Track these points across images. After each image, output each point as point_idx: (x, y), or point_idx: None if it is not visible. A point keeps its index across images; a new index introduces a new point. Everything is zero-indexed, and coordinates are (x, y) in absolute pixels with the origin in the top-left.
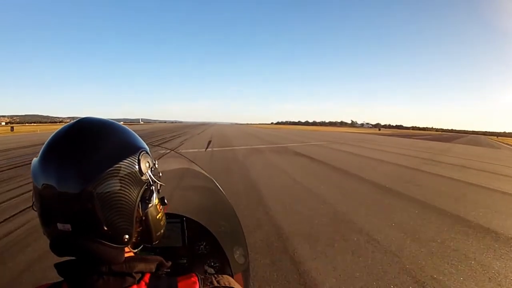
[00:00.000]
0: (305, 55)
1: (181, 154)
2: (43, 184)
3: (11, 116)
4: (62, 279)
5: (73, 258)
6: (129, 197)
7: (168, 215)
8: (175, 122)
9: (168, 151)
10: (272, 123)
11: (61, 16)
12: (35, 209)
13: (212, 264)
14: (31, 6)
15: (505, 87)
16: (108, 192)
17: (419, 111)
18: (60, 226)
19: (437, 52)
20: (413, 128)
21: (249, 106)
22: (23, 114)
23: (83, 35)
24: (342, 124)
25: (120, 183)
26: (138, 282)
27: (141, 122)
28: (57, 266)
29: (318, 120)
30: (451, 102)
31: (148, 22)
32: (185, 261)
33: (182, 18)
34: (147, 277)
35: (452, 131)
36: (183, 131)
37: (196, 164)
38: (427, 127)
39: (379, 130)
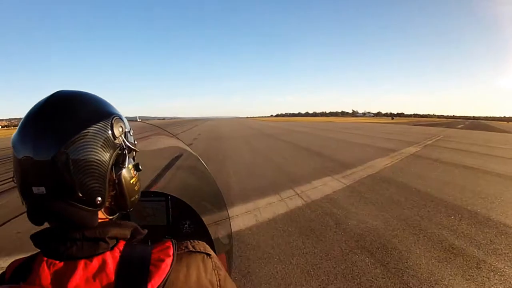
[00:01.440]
0: (305, 46)
1: (169, 133)
2: (20, 155)
3: (9, 120)
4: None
5: (48, 227)
6: (101, 159)
7: (153, 194)
8: (175, 118)
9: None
10: (272, 115)
11: (56, 16)
12: (14, 181)
13: None
14: (25, 6)
15: (498, 71)
16: (80, 154)
17: (419, 98)
18: (35, 189)
19: (435, 40)
20: (415, 115)
21: (249, 100)
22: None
23: (75, 34)
24: (344, 114)
25: (92, 145)
26: (112, 248)
27: (138, 120)
28: (33, 237)
29: (318, 111)
30: (450, 88)
31: (142, 19)
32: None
33: (177, 14)
34: (121, 244)
35: (453, 117)
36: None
37: (185, 144)
38: (428, 114)
39: (392, 119)
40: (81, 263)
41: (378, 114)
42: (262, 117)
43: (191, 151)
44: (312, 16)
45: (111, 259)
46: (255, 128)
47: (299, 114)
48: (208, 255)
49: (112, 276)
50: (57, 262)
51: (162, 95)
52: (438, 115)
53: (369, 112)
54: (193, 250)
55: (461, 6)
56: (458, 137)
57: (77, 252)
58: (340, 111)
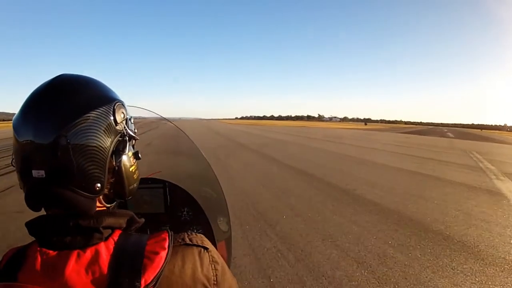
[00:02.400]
0: (268, 48)
1: (168, 120)
2: (21, 138)
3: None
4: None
5: (43, 214)
6: (102, 145)
7: (150, 180)
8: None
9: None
10: (236, 117)
11: (37, 14)
12: (13, 164)
13: (195, 231)
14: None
15: (469, 80)
16: (81, 138)
17: (386, 104)
18: (34, 173)
19: (403, 45)
20: (382, 121)
21: (213, 101)
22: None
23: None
24: (309, 118)
25: (93, 130)
26: (106, 239)
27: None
28: (28, 225)
29: (283, 115)
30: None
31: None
32: (167, 227)
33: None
34: (116, 234)
35: (420, 123)
36: None
37: (181, 130)
38: (396, 120)
39: (365, 124)
40: (74, 254)
41: (345, 119)
42: (227, 119)
43: (186, 134)
44: (275, 16)
45: (105, 250)
46: (223, 135)
47: (264, 117)
48: (206, 248)
49: (105, 268)
50: (51, 251)
51: (125, 95)
52: (405, 121)
53: (335, 117)
54: (190, 243)
55: (430, 5)
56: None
57: (70, 242)
58: (306, 115)
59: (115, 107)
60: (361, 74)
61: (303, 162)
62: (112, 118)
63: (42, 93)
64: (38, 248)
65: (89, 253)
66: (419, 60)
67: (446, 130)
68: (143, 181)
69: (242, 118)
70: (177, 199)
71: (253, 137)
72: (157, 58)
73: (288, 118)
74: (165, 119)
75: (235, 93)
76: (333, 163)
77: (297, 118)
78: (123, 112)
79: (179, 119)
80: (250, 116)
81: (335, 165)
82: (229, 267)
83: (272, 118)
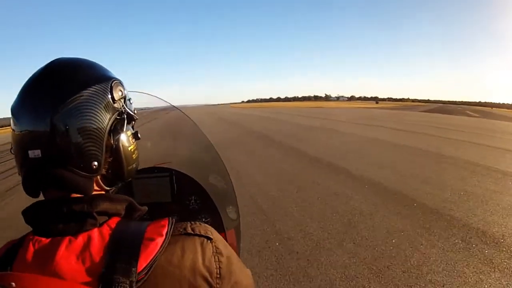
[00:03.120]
0: (273, 27)
1: (174, 107)
2: (18, 122)
3: None
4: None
5: (38, 201)
6: (99, 121)
7: (156, 169)
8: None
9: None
10: (243, 101)
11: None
12: (12, 151)
13: (204, 219)
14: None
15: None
16: (77, 116)
17: (393, 82)
18: (30, 153)
19: (407, 23)
20: (389, 99)
21: (219, 86)
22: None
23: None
24: (316, 98)
25: (90, 107)
26: (101, 225)
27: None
28: (24, 213)
29: (290, 96)
30: (426, 72)
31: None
32: (175, 217)
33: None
34: (114, 221)
35: (427, 101)
36: None
37: (188, 117)
38: (403, 98)
39: (377, 103)
40: (65, 240)
41: (352, 98)
42: (234, 103)
43: (192, 121)
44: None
45: (99, 236)
46: (237, 124)
47: (271, 99)
48: (209, 238)
49: (96, 256)
50: (43, 239)
51: (130, 85)
52: (412, 99)
53: (342, 96)
54: (192, 232)
55: None
56: None
57: (63, 229)
58: (312, 95)
59: (112, 84)
60: (364, 52)
61: (376, 168)
62: (109, 96)
63: (38, 76)
64: (31, 237)
65: (80, 239)
66: (422, 39)
67: (460, 108)
68: (149, 170)
69: (248, 101)
70: (184, 187)
71: (272, 124)
72: (159, 44)
73: (295, 99)
74: (174, 107)
75: (240, 77)
76: (411, 166)
77: (304, 98)
78: (120, 90)
79: (186, 107)
80: (257, 99)
81: (420, 170)
82: (238, 255)
83: (279, 100)
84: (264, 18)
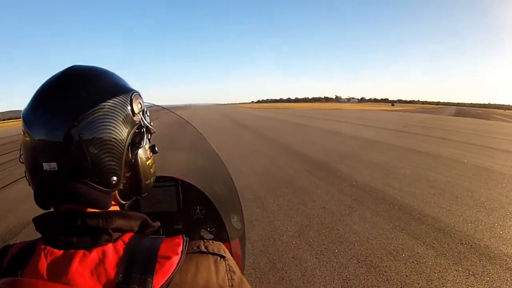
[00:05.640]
0: (282, 27)
1: (176, 114)
2: (32, 131)
3: None
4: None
5: (52, 210)
6: (119, 135)
7: (162, 178)
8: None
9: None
10: (252, 101)
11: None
12: (21, 160)
13: (209, 229)
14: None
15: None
16: (96, 129)
17: (402, 84)
18: (46, 166)
19: (415, 26)
20: (399, 101)
21: (229, 86)
22: (4, 110)
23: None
24: (327, 99)
25: (110, 120)
26: (115, 240)
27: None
28: (35, 220)
29: (300, 97)
30: (436, 75)
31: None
32: (180, 226)
33: None
34: (127, 236)
35: (438, 103)
36: None
37: (192, 125)
38: (413, 100)
39: (393, 105)
40: (79, 254)
41: (362, 100)
42: (243, 103)
43: (197, 130)
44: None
45: (113, 252)
46: (252, 129)
47: (280, 100)
48: (222, 257)
49: (111, 271)
50: (56, 250)
51: (140, 86)
52: (422, 101)
53: (353, 98)
54: (205, 251)
55: None
56: None
57: (77, 242)
58: (323, 96)
59: (132, 97)
60: (374, 54)
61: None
62: (129, 108)
63: (53, 84)
64: (43, 246)
65: (95, 254)
66: (429, 40)
67: (481, 112)
68: (156, 179)
69: (258, 101)
70: (190, 197)
71: (301, 132)
72: (167, 43)
73: (305, 100)
74: (183, 119)
75: (249, 77)
76: None
77: (315, 100)
78: (140, 103)
79: (191, 106)
80: (267, 99)
81: None
82: (243, 264)
83: (289, 100)
84: (274, 17)
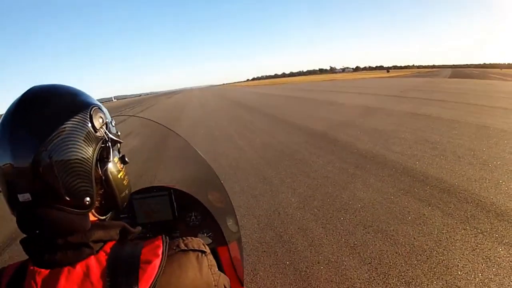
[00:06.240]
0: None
1: (157, 123)
2: (0, 163)
3: None
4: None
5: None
6: (84, 155)
7: (155, 189)
8: (151, 94)
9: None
10: (248, 79)
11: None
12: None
13: (206, 234)
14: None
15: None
16: (61, 152)
17: (396, 50)
18: (20, 197)
19: None
20: (394, 67)
21: (222, 66)
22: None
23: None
24: (322, 71)
25: (72, 141)
26: (97, 252)
27: (114, 100)
28: (22, 242)
29: (294, 71)
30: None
31: None
32: (177, 234)
33: None
34: (108, 246)
35: (433, 66)
36: None
37: (176, 133)
38: (408, 65)
39: (388, 72)
40: (65, 271)
41: (357, 69)
42: (239, 82)
43: (182, 137)
44: None
45: (96, 264)
46: (263, 113)
47: (276, 76)
48: (203, 252)
49: (97, 284)
50: (43, 270)
51: (136, 72)
52: (417, 66)
53: (347, 67)
54: (186, 248)
55: None
56: None
57: (61, 259)
58: (317, 68)
59: (91, 112)
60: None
61: None
62: (90, 125)
63: (13, 112)
64: (31, 267)
65: (79, 268)
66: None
67: (477, 72)
68: (148, 190)
69: (254, 79)
70: (184, 204)
71: (298, 105)
72: (154, 31)
73: (300, 73)
74: (167, 128)
75: (242, 55)
76: None
77: (309, 72)
78: (101, 117)
79: (190, 89)
80: (262, 76)
81: None
82: (242, 266)
83: (284, 75)
84: None
